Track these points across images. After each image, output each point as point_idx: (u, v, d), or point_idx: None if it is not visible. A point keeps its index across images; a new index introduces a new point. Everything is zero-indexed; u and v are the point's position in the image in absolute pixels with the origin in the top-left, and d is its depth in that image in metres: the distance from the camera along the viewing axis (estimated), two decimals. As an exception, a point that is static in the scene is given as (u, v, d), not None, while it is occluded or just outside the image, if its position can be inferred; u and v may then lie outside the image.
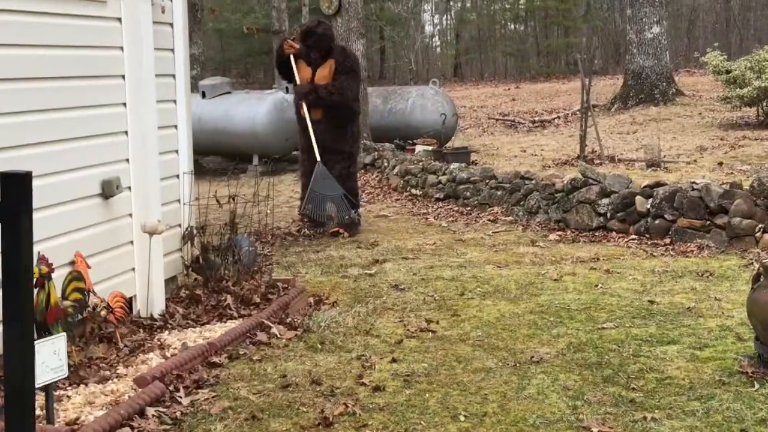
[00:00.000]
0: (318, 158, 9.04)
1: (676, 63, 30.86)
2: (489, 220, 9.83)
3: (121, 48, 5.30)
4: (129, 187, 5.39)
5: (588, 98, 11.03)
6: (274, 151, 13.67)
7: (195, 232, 6.06)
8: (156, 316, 5.50)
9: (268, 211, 10.97)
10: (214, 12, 23.18)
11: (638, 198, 8.54)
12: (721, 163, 10.42)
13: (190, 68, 6.32)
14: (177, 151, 6.03)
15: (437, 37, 48.90)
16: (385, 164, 12.57)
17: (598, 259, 7.67)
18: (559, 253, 7.99)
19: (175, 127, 6.01)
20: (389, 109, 14.38)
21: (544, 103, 24.11)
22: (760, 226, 7.66)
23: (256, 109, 13.05)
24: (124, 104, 5.35)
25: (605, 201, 8.84)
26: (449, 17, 47.83)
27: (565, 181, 9.30)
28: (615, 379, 4.55)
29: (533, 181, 9.77)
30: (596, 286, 6.59)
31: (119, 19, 5.28)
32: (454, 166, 11.05)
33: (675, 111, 16.83)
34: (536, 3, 39.76)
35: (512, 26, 45.22)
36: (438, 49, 46.70)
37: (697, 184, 8.23)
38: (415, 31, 35.82)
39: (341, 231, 9.14)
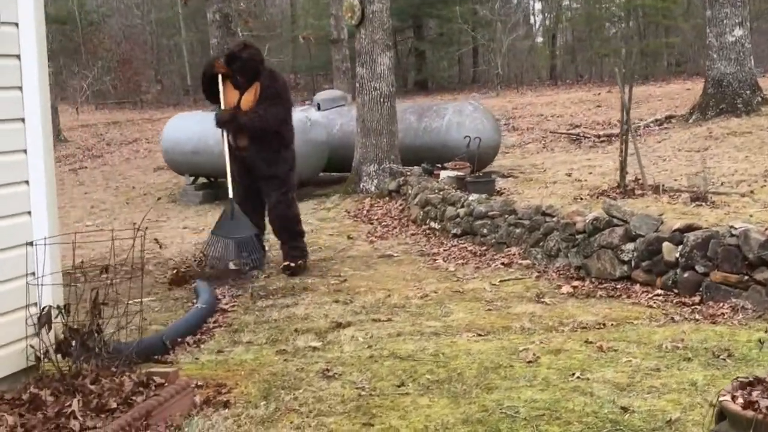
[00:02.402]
0: (230, 194, 8.37)
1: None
2: (503, 263, 8.45)
3: None
4: (-66, 268, 4.24)
5: (628, 118, 9.47)
6: (296, 174, 12.47)
7: (55, 312, 4.87)
8: (-25, 428, 4.33)
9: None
10: (248, 23, 22.17)
11: (666, 244, 7.04)
12: (779, 196, 8.79)
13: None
14: (30, 213, 4.86)
15: (540, 38, 47.17)
16: (410, 191, 11.25)
17: (603, 325, 6.25)
18: (562, 315, 6.59)
19: (27, 182, 4.84)
20: (424, 128, 13.02)
21: (630, 110, 22.33)
22: (807, 285, 6.08)
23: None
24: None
25: (630, 246, 7.36)
26: (548, 18, 45.99)
27: (587, 221, 7.85)
28: None
29: (555, 219, 8.34)
30: (573, 374, 5.17)
31: None
32: (473, 197, 9.66)
33: (758, 123, 14.97)
34: (636, 2, 37.58)
35: (612, 26, 43.04)
36: (535, 52, 44.80)
37: (736, 229, 6.67)
38: (502, 34, 34.23)
39: (292, 264, 8.46)
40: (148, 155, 20.86)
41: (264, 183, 8.52)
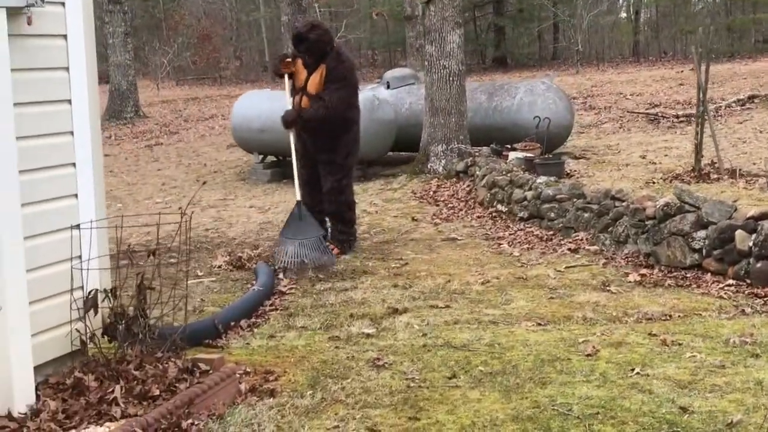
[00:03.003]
0: (298, 197, 8.22)
1: None
2: (569, 249, 8.21)
3: (-39, 73, 4.11)
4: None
5: (704, 99, 9.09)
6: (363, 154, 12.30)
7: (102, 296, 4.81)
8: (17, 414, 4.30)
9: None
10: (318, 0, 21.96)
11: (739, 233, 6.74)
12: None
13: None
14: (76, 196, 4.80)
15: (623, 13, 46.19)
16: (477, 172, 11.02)
17: (669, 317, 6.02)
18: (627, 305, 6.36)
19: (73, 165, 4.78)
20: (494, 107, 12.73)
21: (712, 89, 21.66)
22: None
23: (342, 109, 11.74)
24: (-32, 144, 4.15)
25: (701, 234, 7.07)
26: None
27: (658, 206, 7.56)
28: None
29: (624, 203, 8.07)
30: (632, 370, 4.95)
31: (-45, 36, 4.09)
32: (541, 179, 9.41)
33: None
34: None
35: (699, 2, 41.87)
36: (617, 28, 43.83)
37: (813, 217, 6.37)
38: (583, 10, 33.54)
39: (332, 247, 8.35)
40: (222, 132, 20.91)
41: (321, 166, 8.41)
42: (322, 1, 21.74)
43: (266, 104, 13.27)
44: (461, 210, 10.36)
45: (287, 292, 7.30)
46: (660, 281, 6.98)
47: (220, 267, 8.20)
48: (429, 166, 12.31)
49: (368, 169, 13.03)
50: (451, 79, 12.09)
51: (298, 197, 8.20)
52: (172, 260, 6.49)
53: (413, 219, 10.09)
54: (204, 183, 11.88)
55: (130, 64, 25.94)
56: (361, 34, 40.38)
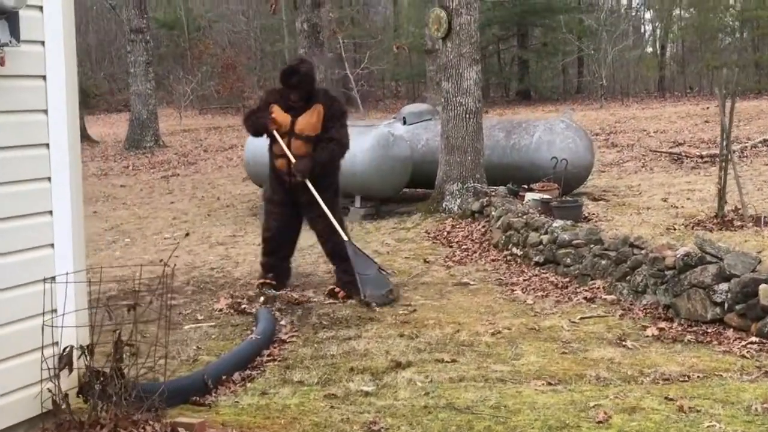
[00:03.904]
0: (345, 237, 8.22)
1: None
2: (585, 297, 7.85)
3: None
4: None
5: (728, 143, 8.73)
6: (377, 191, 12.08)
7: (77, 353, 4.51)
8: (-22, 481, 4.00)
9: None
10: (336, 33, 21.79)
11: (763, 287, 6.36)
12: None
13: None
14: (52, 246, 4.51)
15: (649, 48, 45.86)
16: (493, 213, 10.69)
17: (688, 377, 5.66)
18: (643, 363, 6.01)
19: (50, 213, 4.50)
20: (512, 145, 12.42)
21: (737, 128, 21.26)
22: None
23: (356, 146, 11.47)
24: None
25: (723, 287, 6.69)
26: (658, 27, 44.63)
27: (678, 256, 7.19)
28: None
29: (643, 251, 7.71)
30: (646, 442, 4.60)
31: None
32: (557, 223, 9.07)
33: None
34: (749, 13, 36.04)
35: (726, 37, 41.46)
36: (643, 62, 43.49)
37: (843, 273, 5.99)
38: (607, 44, 33.23)
39: (336, 290, 8.22)
40: (240, 164, 20.66)
41: (308, 209, 8.31)
42: (335, 36, 21.49)
43: (279, 139, 13.01)
44: (475, 252, 10.03)
45: (288, 340, 7.00)
46: (679, 336, 6.62)
47: (221, 311, 7.90)
48: (444, 205, 12.00)
49: (382, 206, 12.74)
50: (467, 116, 11.80)
51: (345, 237, 8.20)
52: (173, 302, 6.21)
53: (425, 261, 9.77)
54: (187, 234, 11.57)
55: (152, 93, 25.86)
56: (384, 66, 40.18)
